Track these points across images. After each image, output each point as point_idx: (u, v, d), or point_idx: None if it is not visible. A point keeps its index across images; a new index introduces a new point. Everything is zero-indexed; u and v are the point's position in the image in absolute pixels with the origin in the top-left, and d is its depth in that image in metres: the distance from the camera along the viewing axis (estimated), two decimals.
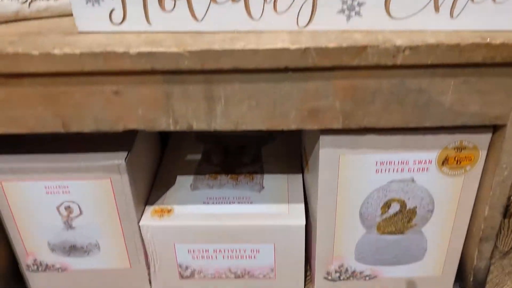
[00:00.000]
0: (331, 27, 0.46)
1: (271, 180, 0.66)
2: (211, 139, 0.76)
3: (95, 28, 0.47)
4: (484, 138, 0.52)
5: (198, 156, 0.72)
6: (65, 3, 0.51)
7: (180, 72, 0.45)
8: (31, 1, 0.50)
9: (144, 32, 0.47)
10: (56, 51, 0.43)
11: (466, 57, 0.43)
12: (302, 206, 0.61)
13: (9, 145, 0.58)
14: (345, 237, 0.59)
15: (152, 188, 0.66)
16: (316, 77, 0.46)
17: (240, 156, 0.72)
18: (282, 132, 0.77)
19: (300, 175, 0.67)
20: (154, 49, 0.43)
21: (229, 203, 0.62)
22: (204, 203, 0.63)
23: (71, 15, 0.51)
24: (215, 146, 0.74)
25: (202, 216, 0.60)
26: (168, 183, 0.67)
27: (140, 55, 0.43)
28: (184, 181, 0.67)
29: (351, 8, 0.45)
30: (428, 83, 0.46)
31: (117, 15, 0.46)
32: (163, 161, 0.71)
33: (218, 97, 0.47)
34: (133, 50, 0.43)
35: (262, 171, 0.68)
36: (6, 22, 0.51)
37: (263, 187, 0.65)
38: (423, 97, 0.47)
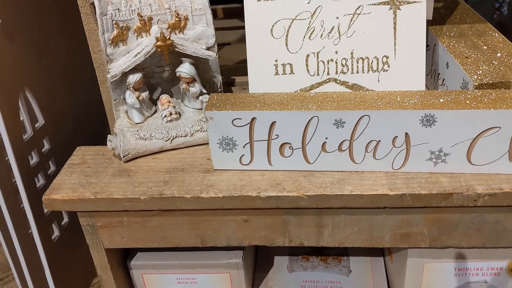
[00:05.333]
0: (420, 170, 0.56)
1: (356, 263, 0.77)
2: None
3: (227, 167, 0.59)
4: None
5: None
6: (197, 138, 0.64)
7: (298, 208, 0.57)
8: (173, 138, 0.63)
9: (265, 170, 0.59)
10: (204, 195, 0.56)
11: None
12: None
13: None
14: None
15: (255, 268, 0.78)
16: (409, 212, 0.56)
17: None
18: None
19: (381, 259, 0.78)
20: (279, 194, 0.55)
21: (323, 287, 0.74)
22: (301, 286, 0.74)
23: (201, 144, 0.64)
24: None
25: None
26: (268, 264, 0.79)
27: (269, 197, 0.55)
28: (281, 262, 0.79)
29: (438, 157, 0.55)
30: (504, 217, 0.56)
31: (246, 159, 0.58)
32: None
33: (326, 224, 0.58)
34: (263, 194, 0.55)
35: (347, 253, 0.79)
36: (153, 154, 0.64)
37: (350, 271, 0.76)
38: (498, 226, 0.56)
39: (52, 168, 0.78)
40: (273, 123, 0.55)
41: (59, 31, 0.80)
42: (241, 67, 0.73)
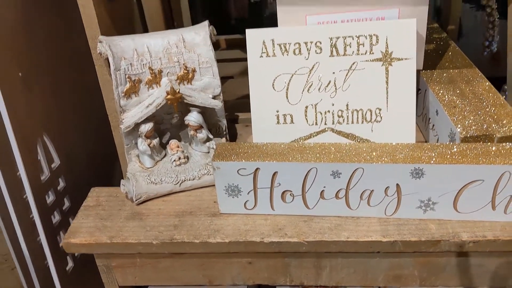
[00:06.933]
0: (410, 217, 0.61)
1: None
2: None
3: (232, 211, 0.64)
4: None
5: None
6: (204, 180, 0.69)
7: (298, 252, 0.61)
8: (182, 182, 0.68)
9: (268, 215, 0.63)
10: (211, 240, 0.60)
11: None
12: None
13: None
14: None
15: None
16: (400, 256, 0.61)
17: None
18: None
19: None
20: (281, 240, 0.60)
21: None
22: None
23: (207, 186, 0.69)
24: None
25: None
26: None
27: (272, 243, 0.60)
28: None
29: (427, 205, 0.59)
30: (487, 261, 0.60)
31: (250, 204, 0.63)
32: None
33: (325, 266, 0.63)
34: (266, 240, 0.60)
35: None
36: (162, 196, 0.68)
37: None
38: (482, 269, 0.61)
39: (67, 204, 0.83)
40: (275, 172, 0.60)
41: (74, 79, 0.85)
42: (244, 103, 0.76)
